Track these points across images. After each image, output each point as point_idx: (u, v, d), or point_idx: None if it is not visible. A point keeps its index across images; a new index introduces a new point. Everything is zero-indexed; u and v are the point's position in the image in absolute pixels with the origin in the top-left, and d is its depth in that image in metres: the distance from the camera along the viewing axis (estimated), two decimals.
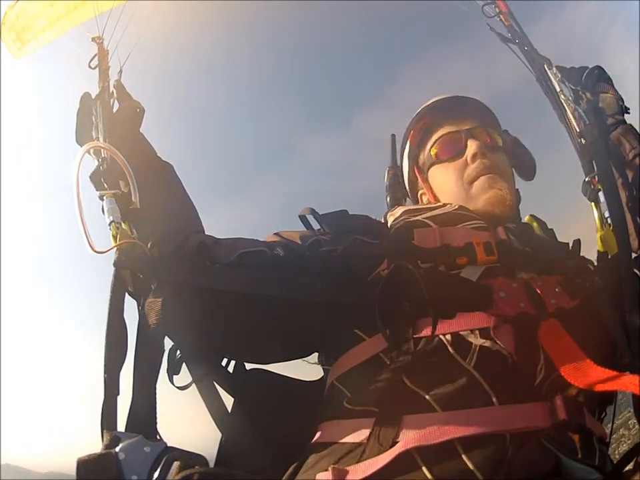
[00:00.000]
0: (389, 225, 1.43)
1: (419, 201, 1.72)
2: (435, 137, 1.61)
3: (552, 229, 1.54)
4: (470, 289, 1.19)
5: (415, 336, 1.12)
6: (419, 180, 1.68)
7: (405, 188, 1.81)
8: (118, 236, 1.24)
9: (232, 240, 1.32)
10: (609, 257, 1.42)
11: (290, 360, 1.37)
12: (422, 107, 1.70)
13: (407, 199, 1.86)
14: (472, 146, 1.51)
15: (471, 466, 0.97)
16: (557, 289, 1.22)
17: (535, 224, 1.52)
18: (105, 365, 1.06)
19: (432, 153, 1.60)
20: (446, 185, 1.55)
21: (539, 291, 1.20)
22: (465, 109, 1.64)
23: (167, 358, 1.17)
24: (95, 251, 1.20)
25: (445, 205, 1.50)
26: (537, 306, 1.17)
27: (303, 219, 1.48)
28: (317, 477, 1.06)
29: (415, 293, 1.15)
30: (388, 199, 1.92)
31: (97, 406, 1.04)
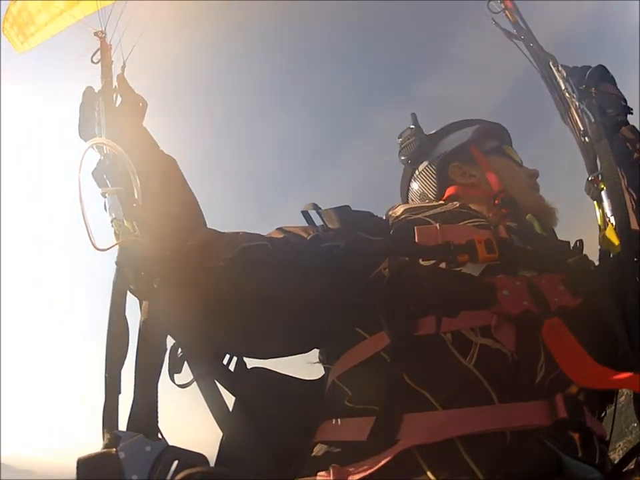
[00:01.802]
0: (390, 223, 1.42)
1: (449, 172, 1.72)
2: (500, 142, 1.77)
3: (552, 229, 1.54)
4: (474, 286, 1.19)
5: (416, 334, 1.12)
6: (475, 154, 1.72)
7: (423, 146, 1.80)
8: (120, 233, 1.24)
9: (234, 234, 1.32)
10: (611, 255, 1.42)
11: (290, 355, 1.37)
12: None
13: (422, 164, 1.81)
14: (532, 168, 1.73)
15: (471, 464, 0.98)
16: (560, 287, 1.22)
17: (535, 223, 1.52)
18: (106, 364, 1.07)
19: (504, 148, 1.74)
20: (514, 173, 1.69)
21: (542, 289, 1.19)
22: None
23: (168, 356, 1.17)
24: (97, 248, 1.20)
25: (445, 203, 1.50)
26: (540, 304, 1.17)
27: (305, 214, 1.48)
28: (317, 476, 1.07)
29: (419, 291, 1.15)
30: (405, 150, 1.85)
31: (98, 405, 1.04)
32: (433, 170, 1.76)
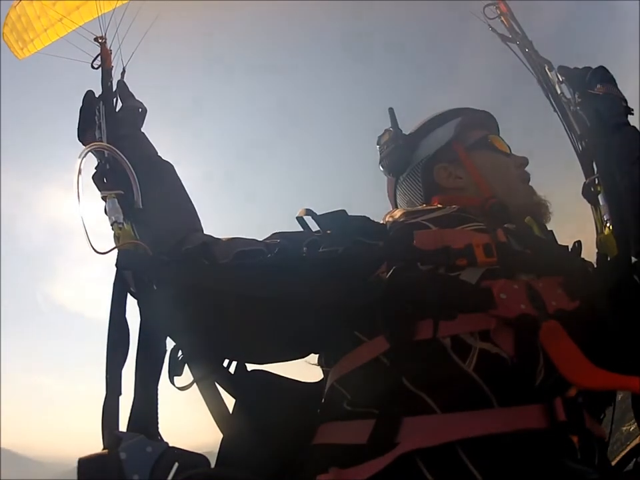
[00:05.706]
0: (387, 227, 1.43)
1: (434, 176, 1.66)
2: (486, 132, 1.69)
3: (551, 231, 1.54)
4: (471, 291, 1.19)
5: (415, 338, 1.12)
6: (459, 152, 1.64)
7: (404, 155, 1.71)
8: (120, 236, 1.25)
9: (230, 239, 1.33)
10: (608, 259, 1.42)
11: (289, 360, 1.37)
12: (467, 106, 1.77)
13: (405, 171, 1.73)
14: (521, 156, 1.65)
15: (471, 467, 0.98)
16: (558, 291, 1.22)
17: (534, 226, 1.52)
18: (106, 365, 1.07)
19: (490, 140, 1.67)
20: (500, 167, 1.63)
21: (540, 292, 1.20)
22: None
23: (168, 358, 1.17)
24: (97, 252, 1.22)
25: (444, 207, 1.50)
26: (538, 307, 1.16)
27: (300, 220, 1.48)
28: (317, 479, 1.07)
29: (417, 295, 1.15)
30: (385, 162, 1.76)
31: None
32: (417, 177, 1.69)
